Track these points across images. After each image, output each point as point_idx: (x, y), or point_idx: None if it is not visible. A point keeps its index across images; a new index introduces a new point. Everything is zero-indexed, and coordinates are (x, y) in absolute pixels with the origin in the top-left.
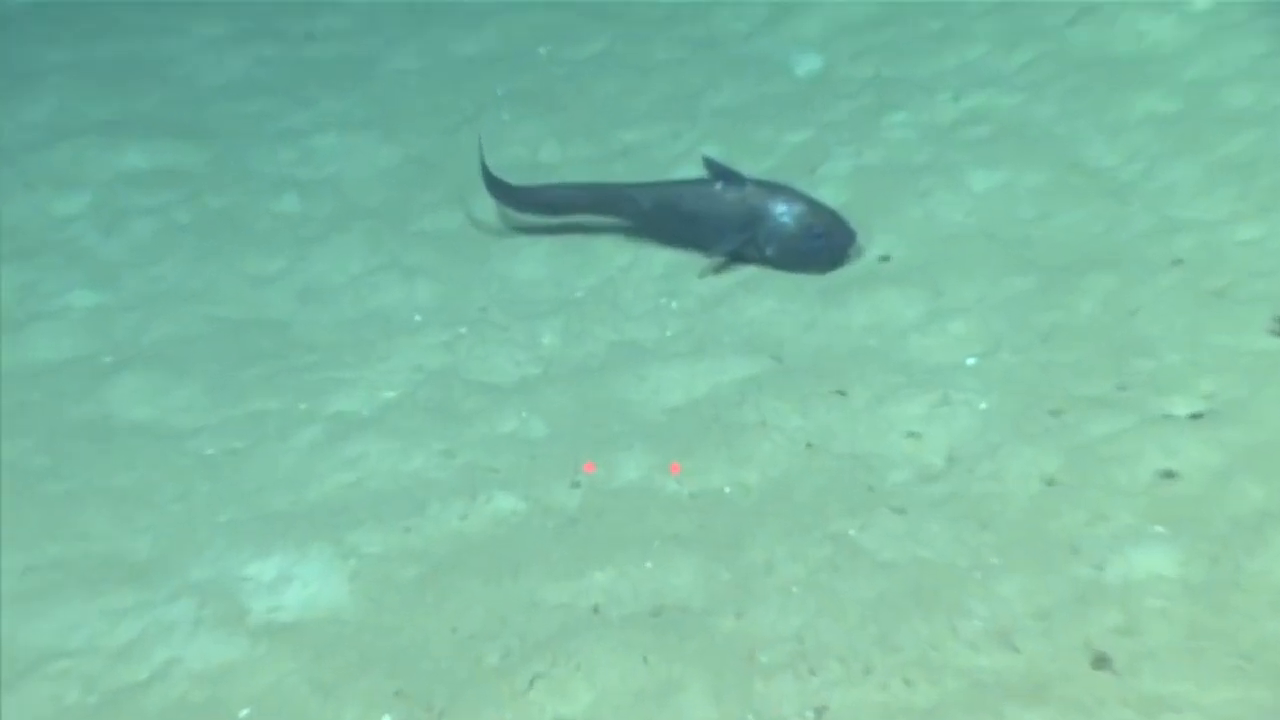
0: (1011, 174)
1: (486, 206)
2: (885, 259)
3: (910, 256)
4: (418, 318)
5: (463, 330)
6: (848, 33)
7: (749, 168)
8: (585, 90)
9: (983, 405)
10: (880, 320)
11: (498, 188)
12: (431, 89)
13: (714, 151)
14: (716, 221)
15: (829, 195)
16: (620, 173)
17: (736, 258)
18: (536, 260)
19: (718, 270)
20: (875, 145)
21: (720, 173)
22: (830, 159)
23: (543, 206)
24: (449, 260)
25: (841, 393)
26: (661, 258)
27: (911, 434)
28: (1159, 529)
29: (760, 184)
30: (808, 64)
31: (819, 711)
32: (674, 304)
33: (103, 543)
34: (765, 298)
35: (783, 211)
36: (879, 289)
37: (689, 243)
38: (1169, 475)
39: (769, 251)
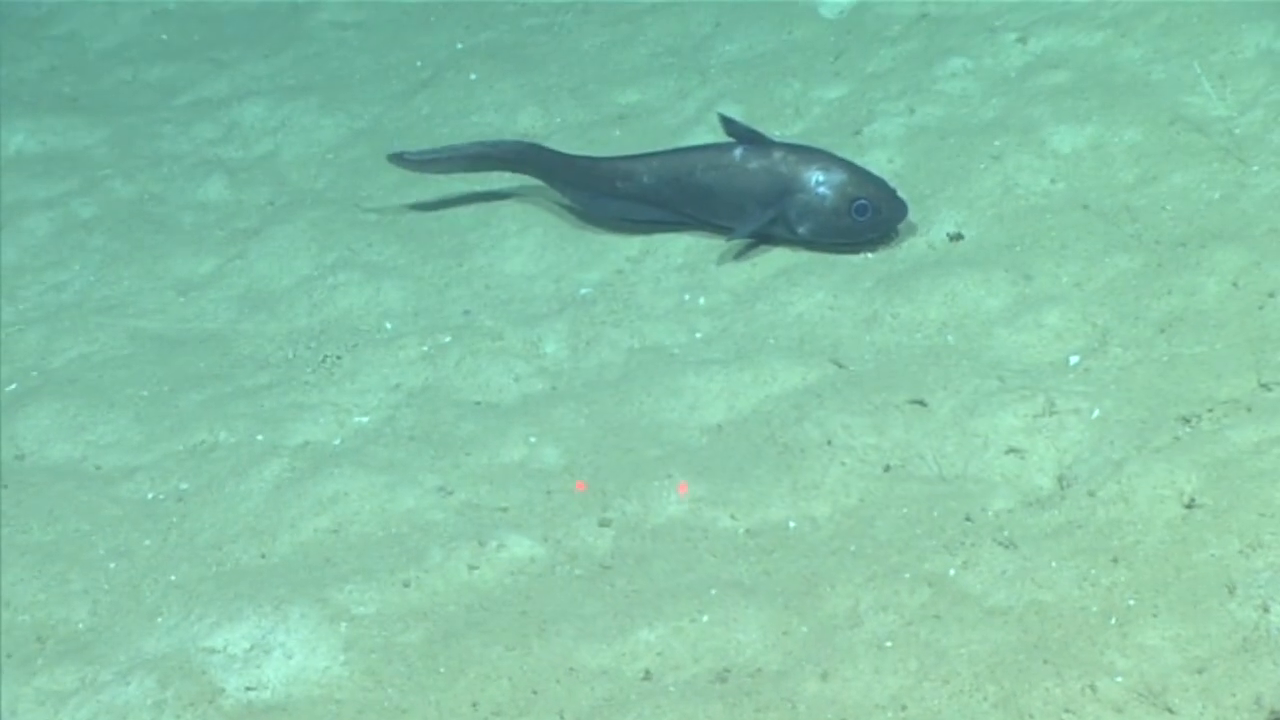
0: (1102, 130)
1: (459, 187)
2: (957, 237)
3: (987, 234)
4: (388, 325)
5: (445, 339)
6: None
7: (776, 132)
8: (567, 42)
9: (1095, 413)
10: (958, 313)
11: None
12: (376, 45)
13: (732, 113)
14: (736, 196)
15: (879, 163)
16: (619, 143)
17: (761, 238)
18: (527, 252)
19: (738, 255)
20: (930, 100)
21: (742, 136)
22: (876, 118)
23: (537, 166)
24: (419, 254)
25: (921, 403)
26: (680, 244)
27: (1012, 450)
28: None
29: (790, 148)
30: (836, 1)
31: None
32: (701, 300)
33: (30, 611)
34: (814, 290)
35: (819, 181)
36: (953, 274)
37: (703, 223)
38: None
39: (802, 230)
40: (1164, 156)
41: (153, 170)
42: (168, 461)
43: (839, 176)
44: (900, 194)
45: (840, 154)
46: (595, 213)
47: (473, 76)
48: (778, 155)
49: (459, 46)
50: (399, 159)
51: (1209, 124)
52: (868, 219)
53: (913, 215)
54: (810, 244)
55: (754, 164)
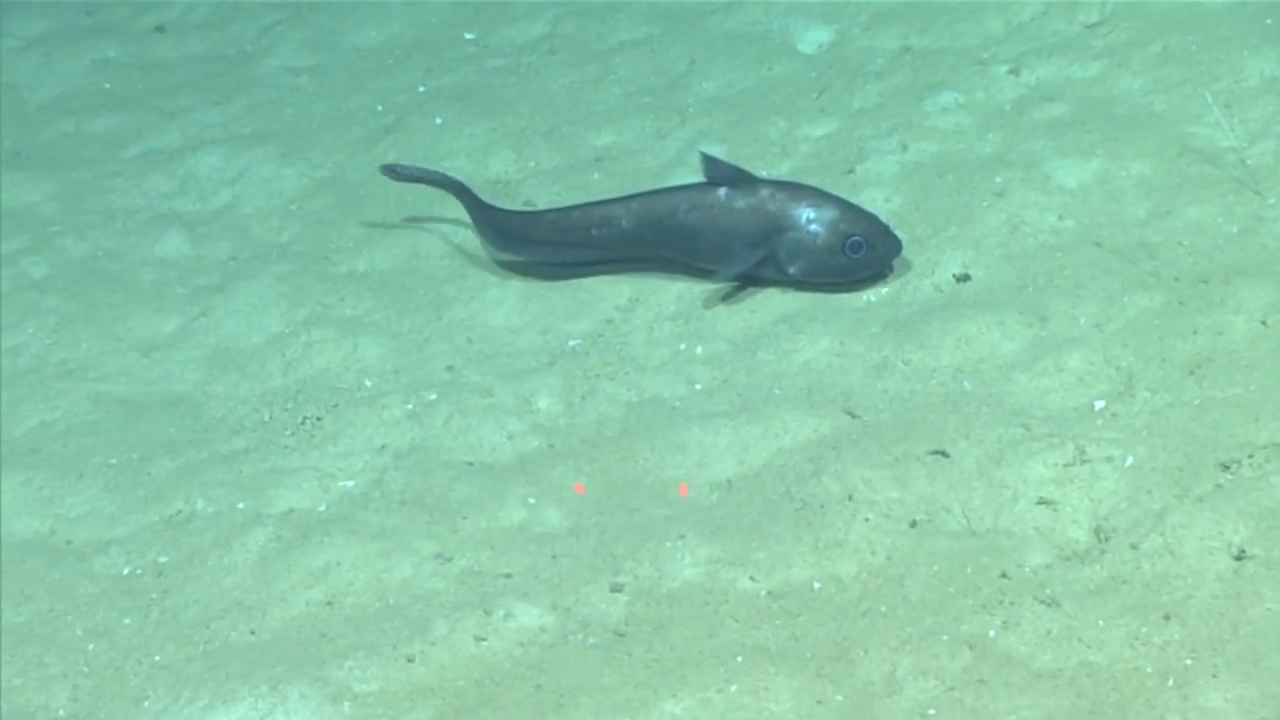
0: (1108, 164)
1: (432, 238)
2: (964, 278)
3: (996, 274)
4: (368, 383)
5: (431, 396)
6: None
7: (763, 172)
8: (535, 83)
9: (1129, 461)
10: (973, 357)
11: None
12: (333, 91)
13: (715, 152)
14: (722, 236)
15: (875, 202)
16: (599, 186)
17: (750, 280)
18: (509, 303)
19: (733, 301)
20: (923, 135)
21: (725, 174)
22: (869, 156)
23: (496, 233)
24: (395, 308)
25: (943, 453)
26: (671, 291)
27: (1044, 502)
28: None
29: (778, 185)
30: (814, 36)
31: None
32: (699, 349)
33: (7, 698)
34: (818, 336)
35: (810, 218)
36: (964, 317)
37: (686, 267)
38: None
39: (793, 269)
40: (1176, 190)
41: (105, 226)
42: (143, 534)
43: (830, 213)
44: (894, 229)
45: (822, 188)
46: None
47: (439, 121)
48: (765, 193)
49: (421, 90)
50: (391, 171)
51: (1219, 155)
52: (862, 256)
53: (916, 256)
54: (801, 284)
55: (740, 203)
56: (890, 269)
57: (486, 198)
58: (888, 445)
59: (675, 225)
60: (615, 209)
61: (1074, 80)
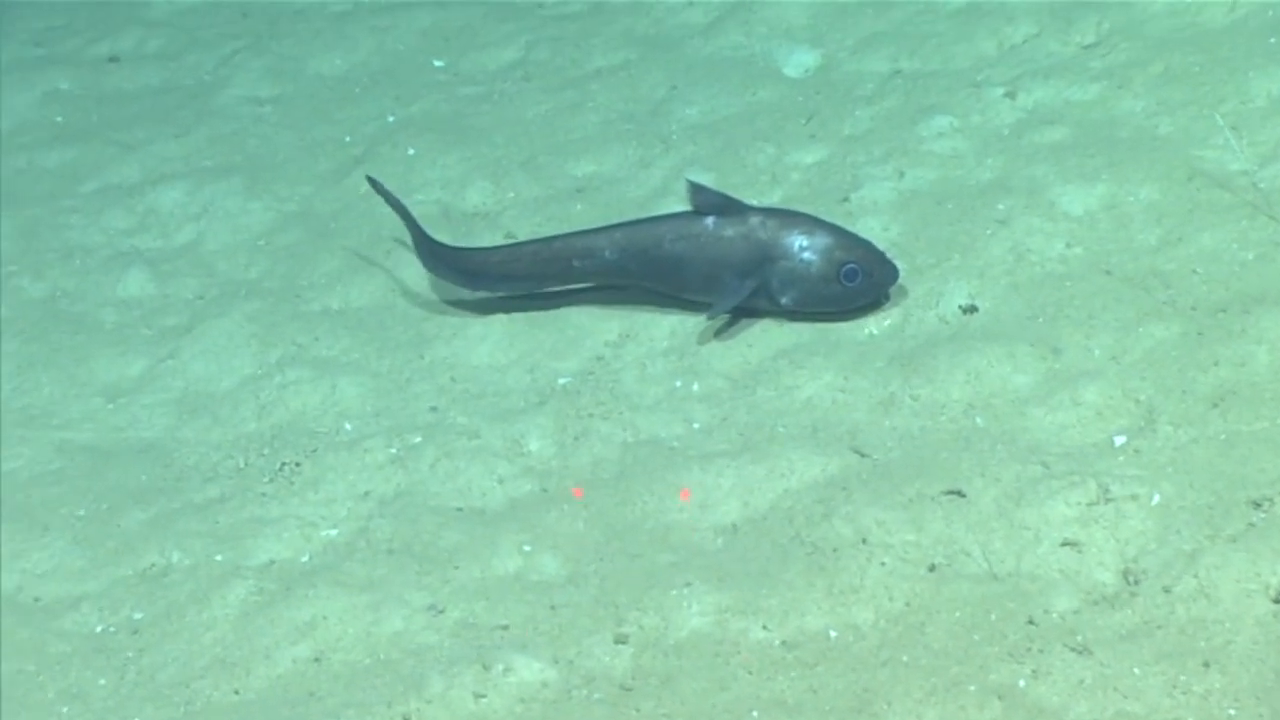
0: (1115, 189)
1: (409, 273)
2: (970, 309)
3: (1003, 305)
4: (348, 426)
5: (415, 439)
6: (842, 16)
7: (753, 201)
8: (509, 111)
9: (1155, 499)
10: (984, 392)
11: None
12: (297, 121)
13: (702, 180)
14: (711, 267)
15: (873, 232)
16: (581, 217)
17: (742, 311)
18: (493, 340)
19: (725, 335)
20: (919, 161)
21: (713, 202)
22: (863, 183)
23: (464, 273)
24: (374, 347)
25: (959, 493)
26: (663, 326)
27: (1068, 543)
28: None
29: (768, 212)
30: (799, 59)
31: None
32: (695, 387)
33: None
34: (820, 371)
35: (803, 246)
36: (973, 350)
37: (673, 299)
38: None
39: (786, 299)
40: (1187, 215)
41: (64, 265)
42: (116, 589)
43: (824, 240)
44: (890, 256)
45: (824, 219)
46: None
47: (411, 151)
48: (755, 220)
49: (390, 119)
50: (374, 182)
51: (1230, 179)
52: (858, 284)
53: (919, 286)
54: (795, 314)
55: (729, 231)
56: (887, 297)
57: (450, 237)
58: (900, 485)
59: (661, 256)
60: (598, 239)
61: (1073, 103)
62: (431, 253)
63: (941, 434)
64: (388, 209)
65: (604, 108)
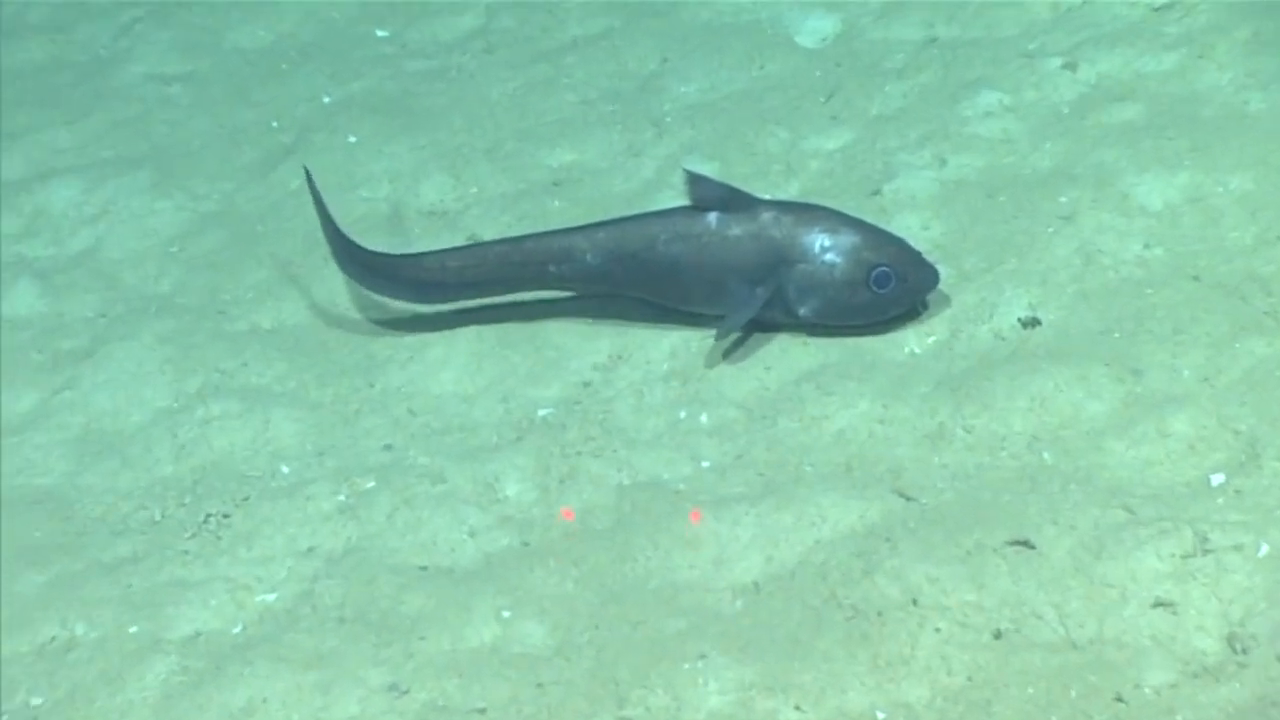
0: (1200, 178)
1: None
2: (1032, 323)
3: (1071, 317)
4: (285, 469)
5: (368, 484)
6: None
7: (765, 196)
8: (469, 90)
9: (1263, 549)
10: (1052, 422)
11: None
12: (214, 103)
13: (703, 171)
14: (715, 273)
15: (912, 231)
16: (559, 215)
17: (750, 325)
18: (458, 363)
19: (735, 355)
20: (964, 146)
21: (716, 196)
22: (897, 173)
23: (415, 285)
24: (313, 374)
25: (1026, 544)
26: (661, 344)
27: (1160, 603)
28: None
29: (782, 207)
30: (816, 26)
31: None
32: (703, 418)
33: None
34: (854, 398)
35: (825, 246)
36: (1036, 372)
37: (670, 310)
38: None
39: (805, 310)
40: None
41: None
42: (10, 667)
43: (850, 238)
44: (927, 257)
45: (848, 213)
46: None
47: (351, 139)
48: (767, 217)
49: (326, 100)
50: (310, 179)
51: None
52: (890, 291)
53: (968, 296)
54: (816, 327)
55: (736, 230)
56: (925, 306)
57: (403, 242)
58: (955, 535)
59: (654, 260)
60: (578, 240)
61: (1145, 75)
62: (365, 265)
63: (1002, 473)
64: (334, 202)
65: (583, 85)
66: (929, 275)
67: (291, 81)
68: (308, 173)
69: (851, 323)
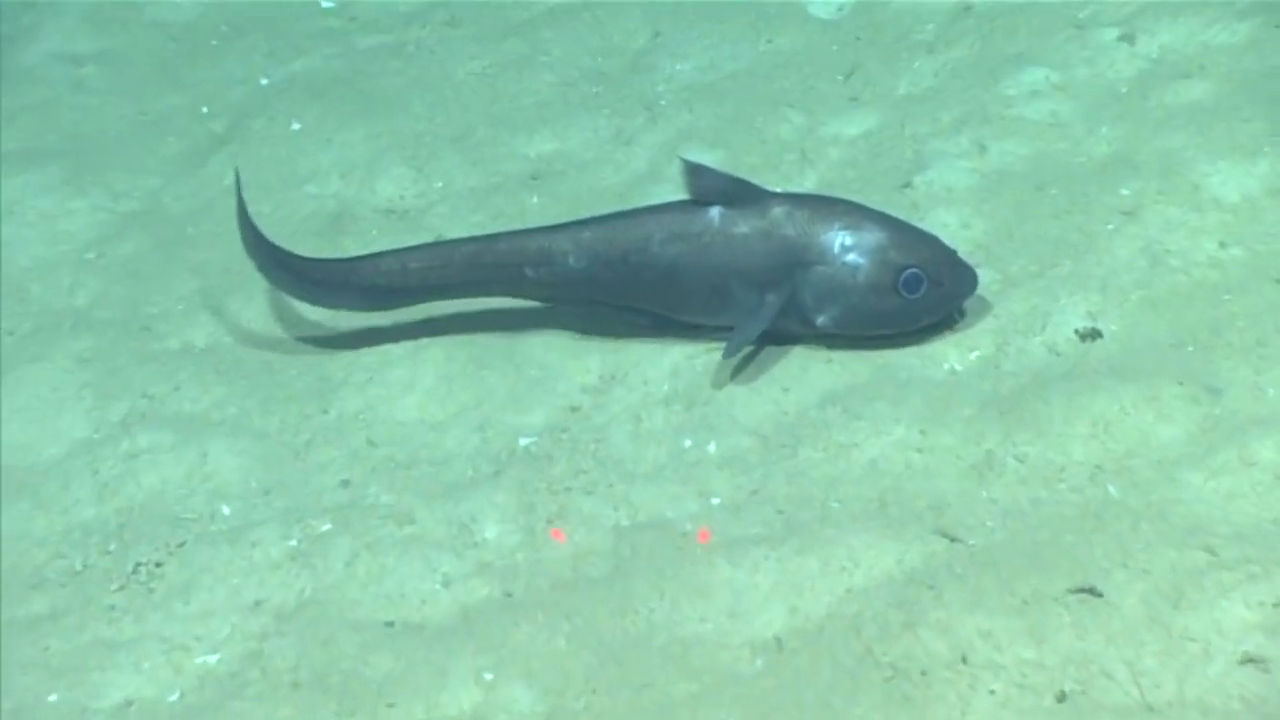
0: None
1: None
2: (1091, 335)
3: (1136, 327)
4: (226, 510)
5: (324, 527)
6: None
7: (777, 189)
8: (431, 69)
9: None
10: (1118, 450)
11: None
12: (134, 86)
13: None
14: (718, 277)
15: (949, 229)
16: (539, 213)
17: (762, 337)
18: (425, 386)
19: (745, 374)
20: (1007, 131)
21: (718, 188)
22: (930, 163)
23: (369, 292)
24: (257, 399)
25: (1092, 591)
26: (661, 361)
27: (1250, 659)
28: None
29: (795, 200)
30: None
31: None
32: (712, 447)
33: None
34: (886, 423)
35: (846, 246)
36: (1098, 391)
37: (667, 321)
38: None
39: (823, 318)
40: None
41: None
42: None
43: (875, 236)
44: (962, 258)
45: (872, 208)
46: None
47: (295, 126)
48: (779, 212)
49: (264, 82)
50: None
51: None
52: (922, 296)
53: (1015, 304)
54: (834, 338)
55: (743, 227)
56: (961, 314)
57: (356, 245)
58: (1010, 581)
59: (648, 264)
60: (559, 240)
61: (1215, 48)
62: (303, 274)
63: (1062, 509)
64: (270, 205)
65: (562, 63)
66: (966, 278)
67: (223, 60)
68: (237, 175)
69: (878, 333)
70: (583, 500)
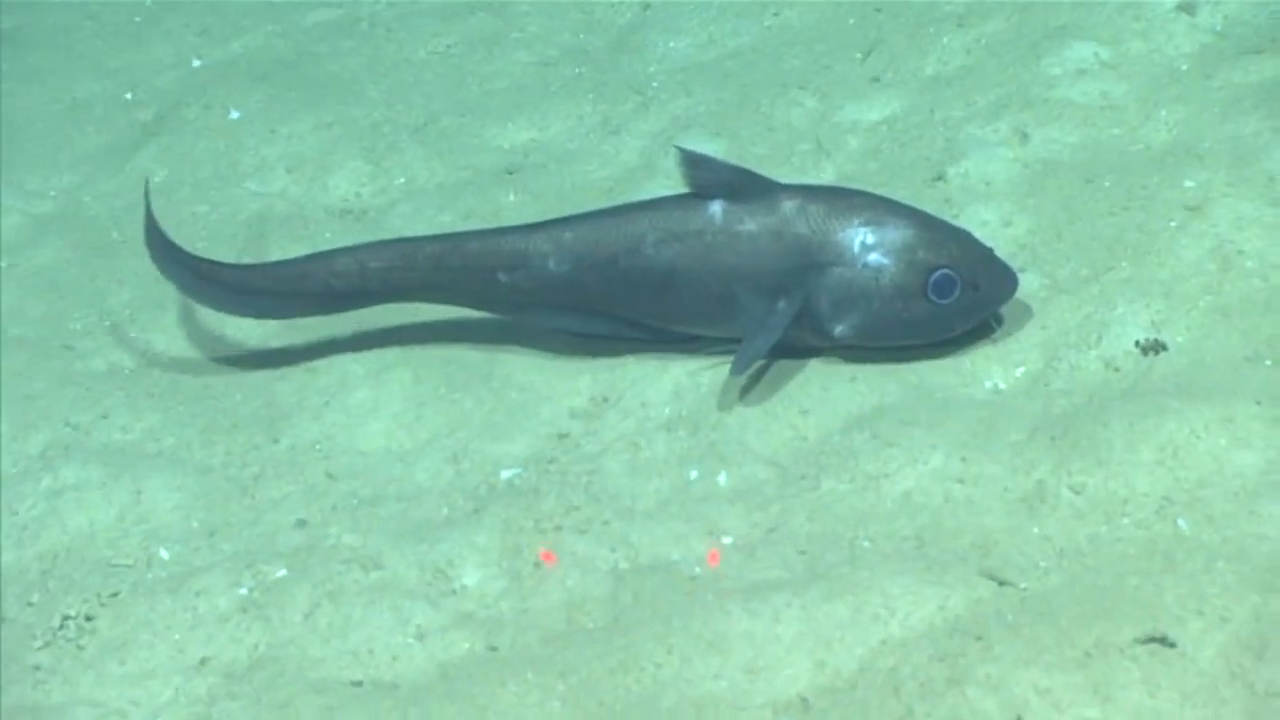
0: None
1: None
2: (1155, 347)
3: (1207, 339)
4: (165, 554)
5: (278, 573)
6: None
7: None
8: (387, 48)
9: None
10: (1188, 479)
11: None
12: (48, 71)
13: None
14: (720, 282)
15: (989, 227)
16: (515, 212)
17: (774, 350)
18: (390, 410)
19: (755, 393)
20: (1052, 116)
21: (720, 180)
22: (966, 152)
23: (296, 297)
24: (197, 427)
25: (1163, 641)
26: (661, 381)
27: None
28: None
29: (809, 192)
30: None
31: None
32: (722, 477)
33: None
34: (922, 450)
35: (868, 244)
36: (1164, 412)
37: (663, 333)
38: None
39: (842, 328)
40: None
41: None
42: None
43: (901, 233)
44: (999, 257)
45: (895, 200)
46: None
47: (234, 115)
48: (789, 207)
49: (196, 64)
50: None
51: None
52: (955, 301)
53: (1066, 313)
54: (853, 349)
55: (749, 224)
56: (998, 321)
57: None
58: (1069, 630)
59: (640, 267)
60: (537, 240)
61: None
62: (218, 282)
63: (1125, 547)
64: (207, 205)
65: (539, 41)
66: (1005, 280)
67: (149, 40)
68: (147, 184)
69: (904, 343)
70: (575, 541)
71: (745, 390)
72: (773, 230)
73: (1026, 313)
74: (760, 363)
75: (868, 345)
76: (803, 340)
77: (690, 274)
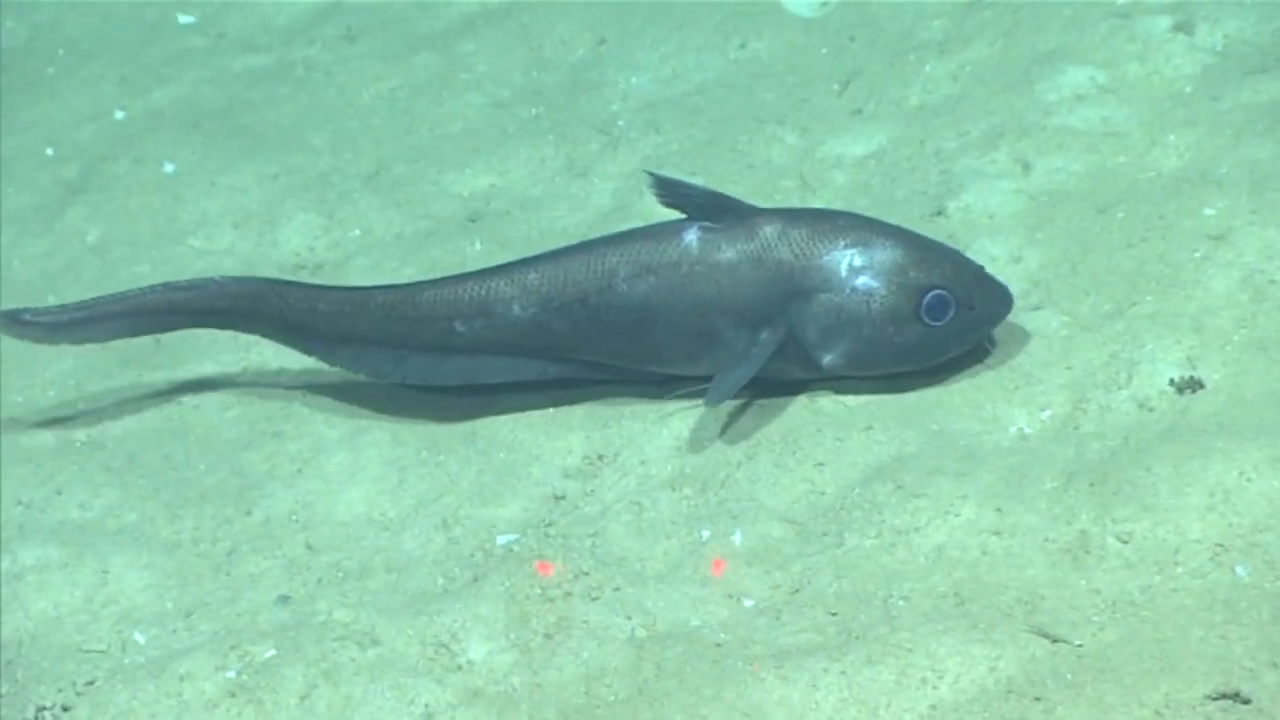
0: None
1: (209, 364)
2: (1191, 385)
3: (1246, 374)
4: (139, 638)
5: (266, 653)
6: None
7: None
8: (327, 94)
9: None
10: (1242, 525)
11: None
12: None
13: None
14: (698, 315)
15: (998, 262)
16: (480, 260)
17: (757, 384)
18: (370, 474)
19: (755, 448)
20: (1053, 144)
21: (696, 204)
22: (965, 184)
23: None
24: (162, 500)
25: (1236, 697)
26: (662, 434)
27: None
28: None
29: (790, 216)
30: None
31: None
32: (737, 536)
33: None
34: (952, 501)
35: (855, 267)
36: (1210, 452)
37: (636, 372)
38: None
39: (830, 357)
40: None
41: None
42: None
43: (889, 253)
44: (988, 274)
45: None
46: (400, 379)
47: (169, 168)
48: (769, 231)
49: (119, 115)
50: (11, 321)
51: None
52: (948, 323)
53: (1093, 351)
54: (842, 380)
55: (728, 252)
56: (991, 344)
57: None
58: (1135, 688)
59: (612, 305)
60: (498, 285)
61: None
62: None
63: (1182, 598)
64: (146, 266)
65: (489, 80)
66: (999, 298)
67: (65, 92)
68: None
69: (896, 370)
70: (587, 608)
71: (754, 445)
72: (753, 257)
73: (1047, 352)
74: (758, 403)
75: (858, 374)
76: (787, 373)
77: (667, 309)
